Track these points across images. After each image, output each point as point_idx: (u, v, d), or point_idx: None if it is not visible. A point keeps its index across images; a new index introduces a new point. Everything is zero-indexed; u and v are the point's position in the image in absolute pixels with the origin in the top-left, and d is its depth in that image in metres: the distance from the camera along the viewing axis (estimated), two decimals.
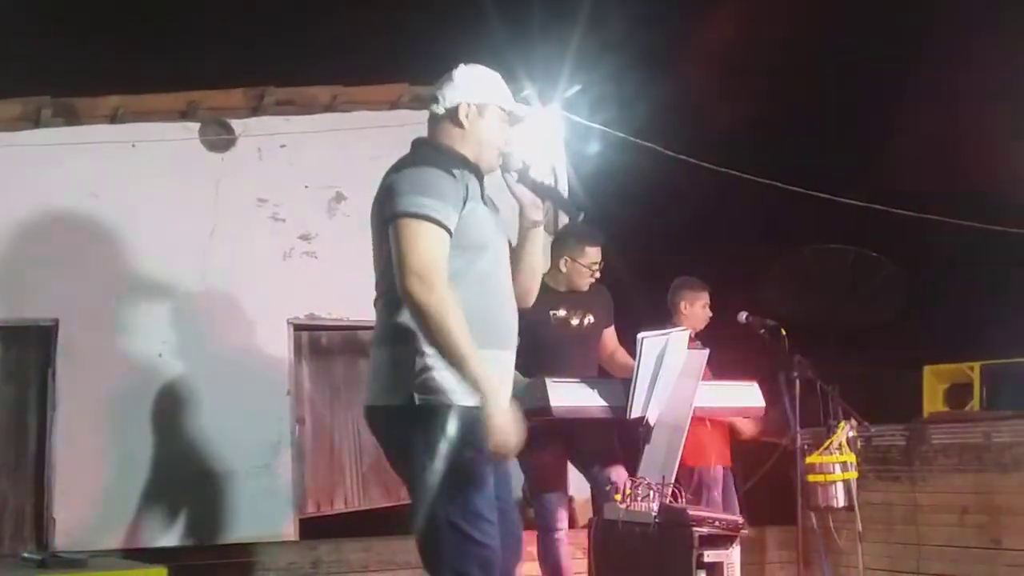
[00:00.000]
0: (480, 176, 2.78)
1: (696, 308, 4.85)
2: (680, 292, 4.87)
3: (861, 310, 5.94)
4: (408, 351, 2.60)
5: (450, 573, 2.58)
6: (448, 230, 2.61)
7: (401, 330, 2.61)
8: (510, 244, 2.87)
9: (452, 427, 2.57)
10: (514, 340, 2.76)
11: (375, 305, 2.74)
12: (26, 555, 3.17)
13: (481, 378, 2.52)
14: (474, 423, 2.55)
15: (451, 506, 2.56)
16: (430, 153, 2.73)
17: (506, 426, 2.52)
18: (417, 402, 2.58)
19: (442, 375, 2.58)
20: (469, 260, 2.65)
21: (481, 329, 2.59)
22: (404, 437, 2.61)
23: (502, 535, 2.64)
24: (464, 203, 2.65)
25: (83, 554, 3.39)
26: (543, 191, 2.86)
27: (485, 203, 2.75)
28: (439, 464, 2.56)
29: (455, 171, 2.68)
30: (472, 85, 2.78)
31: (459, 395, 2.58)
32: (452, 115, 2.76)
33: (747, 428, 5.04)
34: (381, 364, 2.67)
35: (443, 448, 2.56)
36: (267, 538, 4.82)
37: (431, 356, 2.58)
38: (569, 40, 5.23)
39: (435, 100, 2.80)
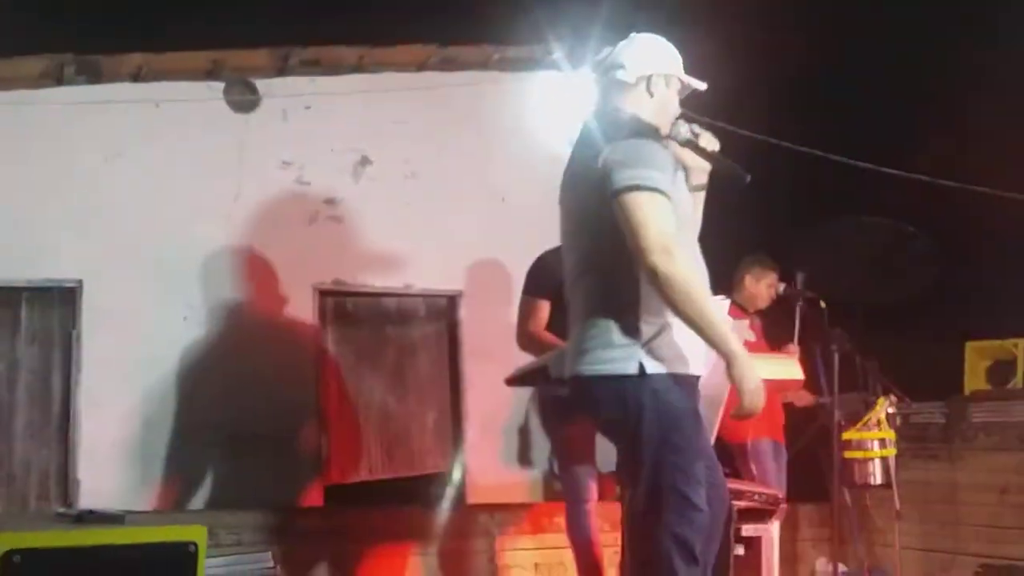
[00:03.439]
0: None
1: (761, 286, 4.83)
2: (748, 267, 4.84)
3: (896, 283, 5.81)
4: (631, 322, 2.66)
5: (671, 537, 2.64)
6: (669, 200, 2.65)
7: (623, 302, 2.67)
8: None
9: (677, 395, 2.64)
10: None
11: (580, 280, 2.77)
12: (61, 510, 3.12)
13: (729, 339, 2.58)
14: (694, 391, 2.65)
15: (676, 472, 2.62)
16: (636, 124, 2.78)
17: (756, 388, 2.58)
18: (648, 371, 2.63)
19: (667, 344, 2.65)
20: (676, 229, 2.69)
21: None
22: (627, 405, 2.66)
23: (712, 497, 2.72)
24: (674, 173, 2.72)
25: (120, 511, 3.33)
26: (711, 158, 2.89)
27: None
28: (663, 432, 2.63)
29: (662, 140, 2.77)
30: (661, 56, 2.88)
31: (682, 364, 2.66)
32: (643, 85, 2.83)
33: (802, 399, 4.99)
34: (598, 334, 2.70)
35: (668, 416, 2.64)
36: (292, 504, 4.77)
37: (656, 325, 2.65)
38: None
39: (616, 67, 2.85)
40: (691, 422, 2.67)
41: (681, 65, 2.91)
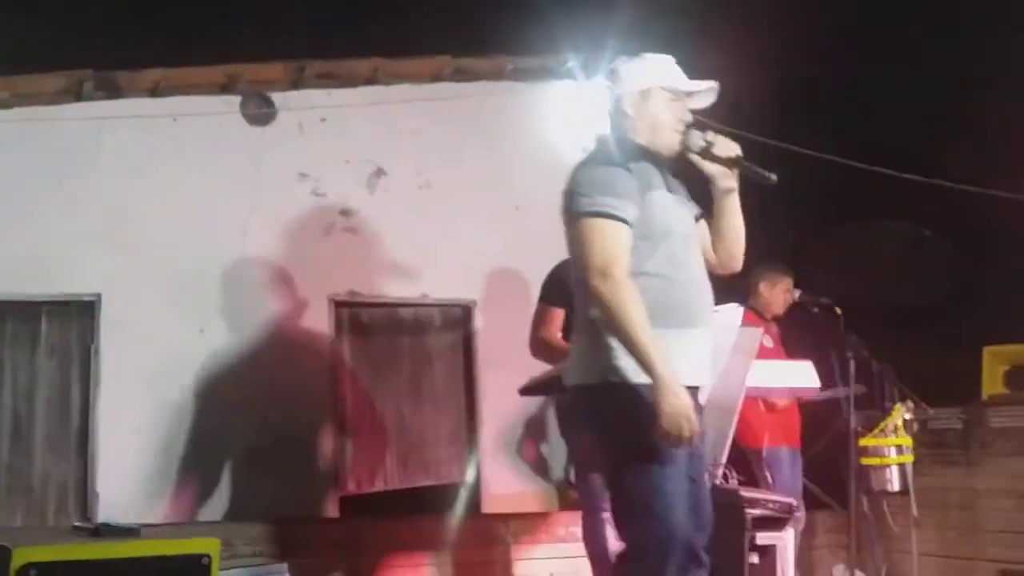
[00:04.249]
0: (659, 162, 2.87)
1: (776, 292, 4.82)
2: (762, 274, 4.83)
3: (915, 289, 5.78)
4: (599, 336, 2.73)
5: (634, 544, 2.71)
6: (625, 222, 2.72)
7: (593, 318, 2.76)
8: (709, 215, 2.94)
9: (638, 406, 2.66)
10: (706, 318, 2.83)
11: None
12: (78, 524, 3.15)
13: (655, 365, 2.62)
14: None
15: (637, 480, 2.69)
16: (605, 149, 2.86)
17: (675, 413, 2.60)
18: (609, 381, 2.71)
19: (627, 357, 2.70)
20: (652, 247, 2.76)
21: (666, 311, 2.73)
22: (596, 415, 2.77)
23: (692, 509, 2.73)
24: (643, 194, 2.75)
25: (135, 524, 3.37)
26: (728, 163, 2.88)
27: (670, 189, 2.85)
28: (626, 440, 2.70)
29: (631, 164, 2.78)
30: (633, 74, 2.91)
31: (644, 375, 2.68)
32: (621, 107, 2.88)
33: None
34: (578, 348, 2.84)
35: (629, 425, 2.69)
36: (308, 515, 4.80)
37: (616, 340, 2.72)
38: (616, 6, 5.09)
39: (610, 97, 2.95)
40: (654, 431, 2.64)
41: (666, 75, 2.88)
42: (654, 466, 2.66)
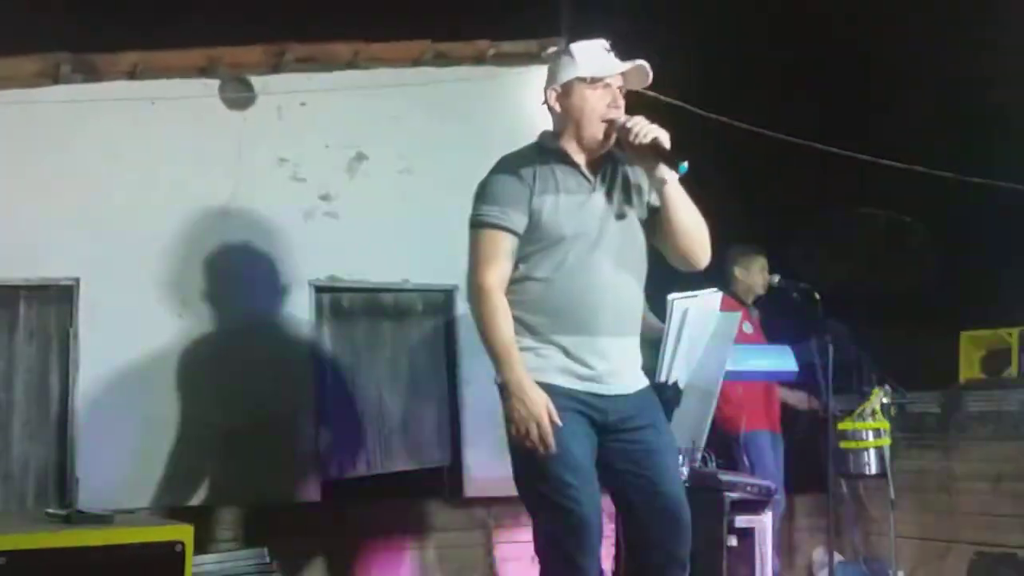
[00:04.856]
0: (572, 162, 2.83)
1: (753, 273, 4.86)
2: (735, 259, 4.85)
3: (893, 275, 5.82)
4: None
5: (542, 537, 2.76)
6: (506, 228, 2.76)
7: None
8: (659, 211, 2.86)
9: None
10: (615, 326, 2.80)
11: None
12: (50, 511, 3.15)
13: (503, 371, 2.71)
14: (562, 400, 2.72)
15: (536, 473, 2.73)
16: (509, 156, 2.89)
17: (518, 418, 2.67)
18: (497, 382, 2.80)
19: (523, 355, 2.76)
20: (544, 252, 2.76)
21: (553, 315, 2.74)
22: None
23: (647, 508, 2.77)
24: (530, 200, 2.76)
25: (108, 511, 3.37)
26: (642, 152, 2.78)
27: (594, 188, 2.81)
28: (517, 437, 2.75)
29: (524, 169, 2.79)
30: (553, 70, 2.89)
31: (542, 375, 2.74)
32: (549, 105, 2.88)
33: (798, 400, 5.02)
34: None
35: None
36: (289, 500, 4.80)
37: (520, 339, 2.78)
38: None
39: None
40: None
41: (586, 64, 2.81)
42: (551, 461, 2.69)
